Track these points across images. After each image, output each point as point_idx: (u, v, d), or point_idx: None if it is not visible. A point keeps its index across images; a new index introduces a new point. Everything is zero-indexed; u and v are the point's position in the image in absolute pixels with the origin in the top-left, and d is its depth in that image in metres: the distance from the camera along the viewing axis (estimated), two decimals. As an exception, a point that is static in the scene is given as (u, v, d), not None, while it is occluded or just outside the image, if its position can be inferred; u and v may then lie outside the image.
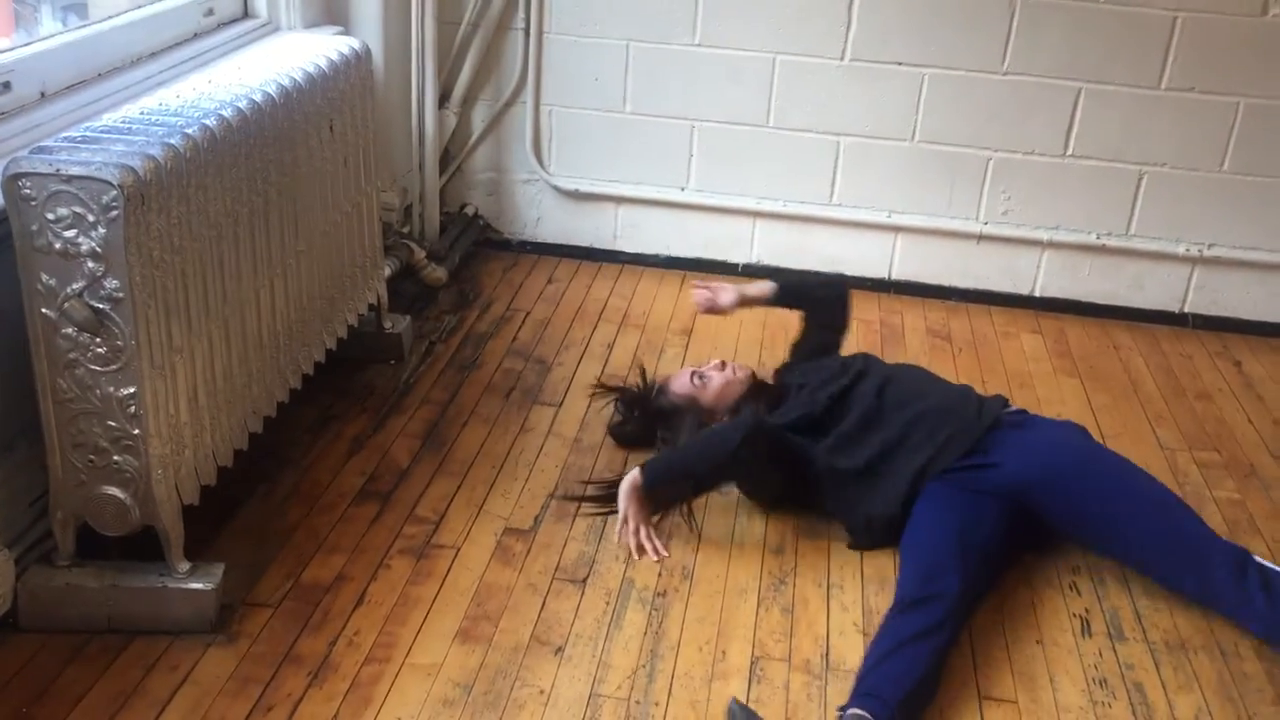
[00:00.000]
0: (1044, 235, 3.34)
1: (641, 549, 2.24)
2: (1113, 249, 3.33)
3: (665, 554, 2.24)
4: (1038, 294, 3.40)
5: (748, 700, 1.89)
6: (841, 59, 3.25)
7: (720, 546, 2.27)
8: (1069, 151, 3.25)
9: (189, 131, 1.86)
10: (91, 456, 1.81)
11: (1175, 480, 2.59)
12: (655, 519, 2.29)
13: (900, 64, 3.23)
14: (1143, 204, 3.28)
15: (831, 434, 2.33)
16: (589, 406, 2.74)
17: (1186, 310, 3.37)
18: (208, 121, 1.92)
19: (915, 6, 3.16)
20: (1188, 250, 3.30)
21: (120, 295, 1.71)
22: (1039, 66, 3.18)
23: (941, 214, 3.37)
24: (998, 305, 3.40)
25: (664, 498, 2.31)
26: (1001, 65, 3.19)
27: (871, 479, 2.28)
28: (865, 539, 2.29)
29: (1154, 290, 3.36)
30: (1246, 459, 2.70)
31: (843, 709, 1.84)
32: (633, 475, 2.27)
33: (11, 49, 2.08)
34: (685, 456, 2.33)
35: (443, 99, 3.38)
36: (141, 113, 1.94)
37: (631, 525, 2.26)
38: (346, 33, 2.85)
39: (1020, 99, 3.21)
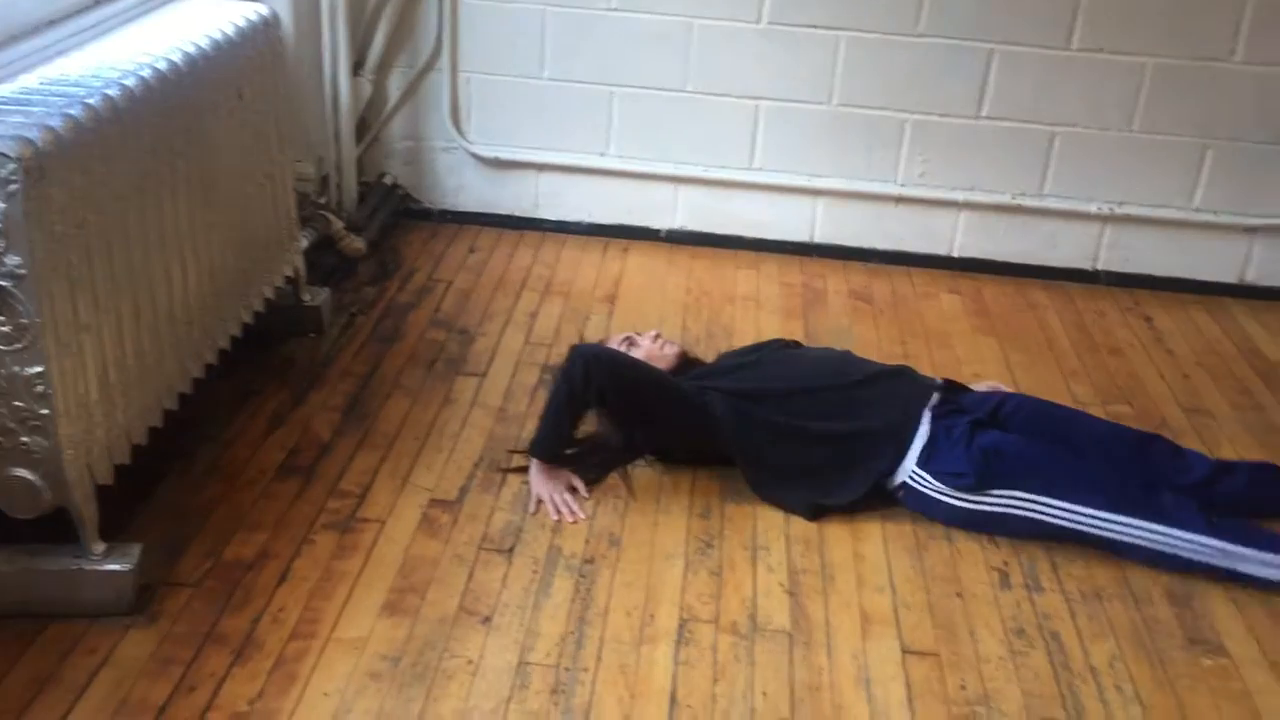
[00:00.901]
0: (960, 196, 3.38)
1: (560, 517, 2.25)
2: (1027, 209, 3.38)
3: (581, 515, 2.25)
4: (955, 254, 3.45)
5: (675, 662, 1.91)
6: (758, 22, 3.25)
7: (647, 513, 2.28)
8: (983, 113, 3.29)
9: (90, 102, 1.81)
10: (-1, 438, 1.77)
11: (1089, 434, 2.66)
12: (587, 480, 2.33)
13: (816, 27, 3.24)
14: (1055, 164, 3.33)
15: (739, 386, 2.39)
16: (514, 376, 2.72)
17: (1099, 268, 3.44)
18: (110, 91, 1.87)
19: (831, -31, 3.17)
20: (1099, 209, 3.37)
21: (22, 272, 1.66)
22: (952, 28, 3.21)
23: (861, 176, 3.40)
24: (917, 266, 3.44)
25: (572, 460, 2.35)
26: (915, 27, 3.21)
27: (806, 456, 2.33)
28: (789, 502, 2.32)
29: (1067, 248, 3.42)
30: (1158, 411, 2.78)
31: None
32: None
33: (-100, 18, 2.00)
34: (550, 411, 2.34)
35: (357, 66, 3.32)
36: (40, 83, 1.88)
37: (545, 499, 2.28)
38: (255, -1, 2.78)
39: (934, 61, 3.24)
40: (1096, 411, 2.74)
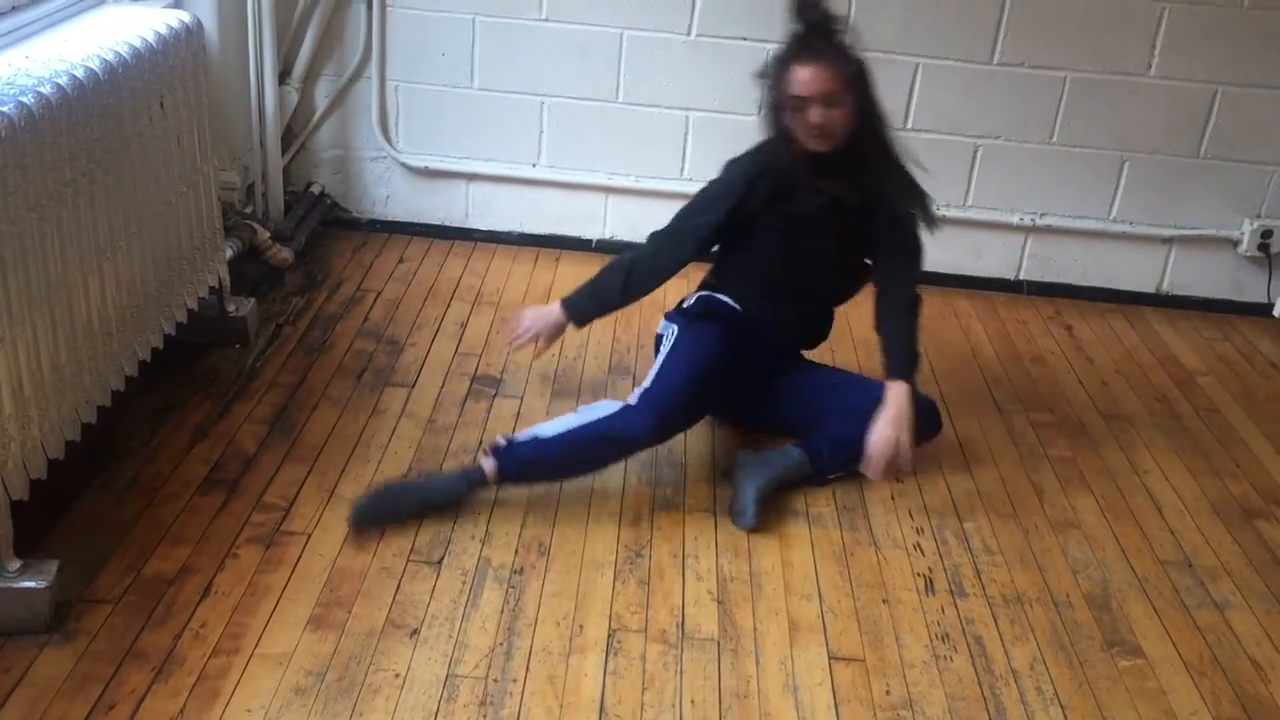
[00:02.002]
0: (887, 207, 3.42)
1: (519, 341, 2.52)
2: (952, 219, 3.43)
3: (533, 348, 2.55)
4: (883, 264, 3.49)
5: (604, 672, 1.91)
6: (688, 34, 3.27)
7: (577, 522, 2.28)
8: (909, 125, 3.33)
9: (4, 110, 1.77)
10: (-93, 453, 1.72)
11: (1012, 440, 2.71)
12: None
13: (745, 39, 3.27)
14: (979, 176, 3.39)
15: None
16: (443, 387, 2.71)
17: (1021, 277, 3.51)
18: (24, 99, 1.83)
19: (758, -18, 3.20)
20: (1021, 220, 3.44)
21: (-68, 283, 1.63)
22: (879, 41, 3.22)
23: (789, 187, 3.42)
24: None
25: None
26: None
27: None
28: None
29: (991, 259, 3.49)
30: (1078, 418, 2.84)
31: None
32: (555, 312, 2.50)
33: None
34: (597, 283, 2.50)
35: (283, 75, 3.29)
36: (-49, 90, 1.83)
37: (535, 338, 2.51)
38: (178, 6, 2.74)
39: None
40: (1019, 421, 2.80)
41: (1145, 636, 2.11)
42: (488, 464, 2.26)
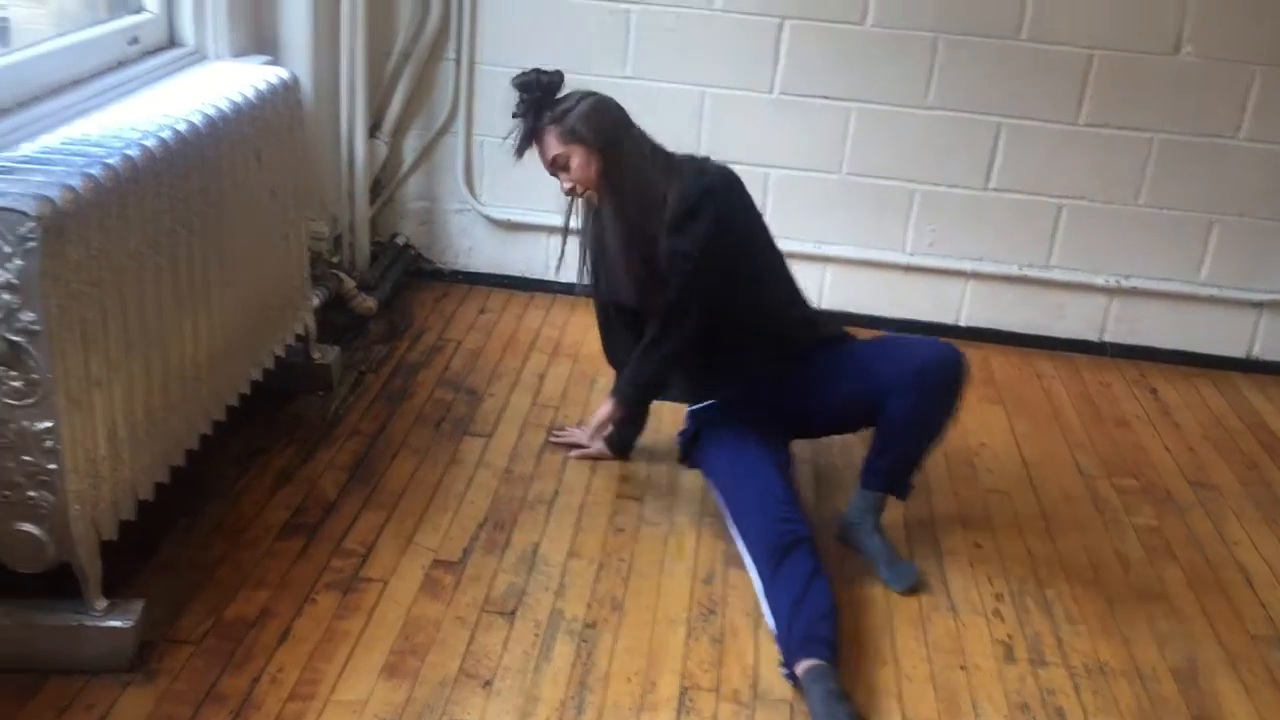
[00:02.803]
0: (968, 266, 3.41)
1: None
2: (1034, 279, 3.41)
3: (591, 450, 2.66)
4: (963, 323, 3.47)
5: (676, 731, 1.90)
6: (770, 92, 3.30)
7: (650, 577, 2.28)
8: (990, 185, 3.32)
9: (110, 161, 1.84)
10: (6, 492, 1.77)
11: (1095, 507, 2.65)
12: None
13: (828, 98, 3.29)
14: (1062, 236, 3.36)
15: None
16: (520, 437, 2.73)
17: (1105, 339, 3.45)
18: (130, 151, 1.90)
19: (841, 42, 3.22)
20: (1106, 281, 3.39)
21: (36, 328, 1.68)
22: (961, 102, 3.25)
23: (869, 245, 3.42)
24: (925, 334, 3.45)
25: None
26: (925, 99, 3.26)
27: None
28: None
29: (1074, 320, 3.44)
30: (1163, 485, 2.77)
31: (787, 671, 1.99)
32: (610, 409, 2.49)
33: (-74, 77, 2.04)
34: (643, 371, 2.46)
35: (374, 128, 3.38)
36: (62, 142, 1.91)
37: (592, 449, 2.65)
38: (275, 62, 2.84)
39: (944, 133, 3.28)
40: (1103, 486, 2.74)
41: (1235, 715, 2.04)
42: (804, 667, 1.98)
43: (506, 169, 3.44)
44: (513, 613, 2.14)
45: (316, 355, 2.83)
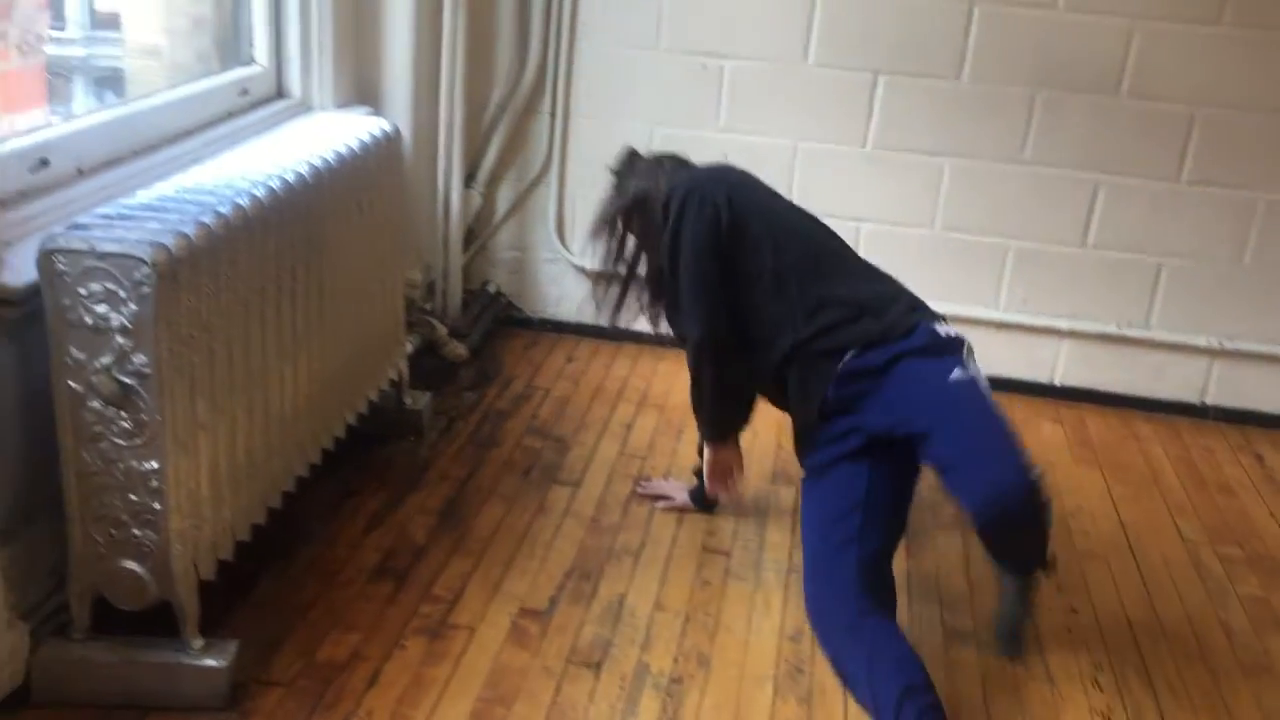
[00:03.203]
0: (1063, 324, 3.35)
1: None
2: (1133, 339, 3.33)
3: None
4: (1058, 383, 3.40)
5: (763, 793, 1.86)
6: (863, 146, 3.29)
7: (737, 632, 2.25)
8: (1088, 242, 3.27)
9: (221, 210, 1.90)
10: (111, 530, 1.82)
11: (1198, 574, 2.57)
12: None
13: (921, 153, 3.27)
14: (1163, 296, 3.29)
15: None
16: (607, 487, 2.73)
17: (1207, 402, 3.36)
18: (240, 200, 1.96)
19: (936, 97, 3.21)
20: (1208, 342, 3.30)
21: (147, 371, 1.73)
22: (1059, 158, 3.21)
23: (962, 300, 3.38)
24: (1018, 393, 3.40)
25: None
26: (1022, 155, 3.22)
27: None
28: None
29: (1174, 381, 3.35)
30: (1270, 555, 2.68)
31: None
32: (710, 457, 2.45)
33: (50, 126, 2.12)
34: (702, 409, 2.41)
35: (468, 178, 3.44)
36: (176, 190, 1.97)
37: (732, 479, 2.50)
38: (377, 113, 2.91)
39: (1040, 189, 3.24)
40: (1205, 553, 2.66)
41: (1350, 800, 1.95)
42: None
43: (598, 220, 3.50)
44: (598, 665, 2.13)
45: (408, 401, 2.86)
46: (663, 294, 2.38)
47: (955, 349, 2.18)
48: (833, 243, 2.37)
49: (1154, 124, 3.14)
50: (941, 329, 2.23)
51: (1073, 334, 3.36)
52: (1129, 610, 2.43)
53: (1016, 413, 3.30)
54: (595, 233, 2.49)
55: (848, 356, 2.18)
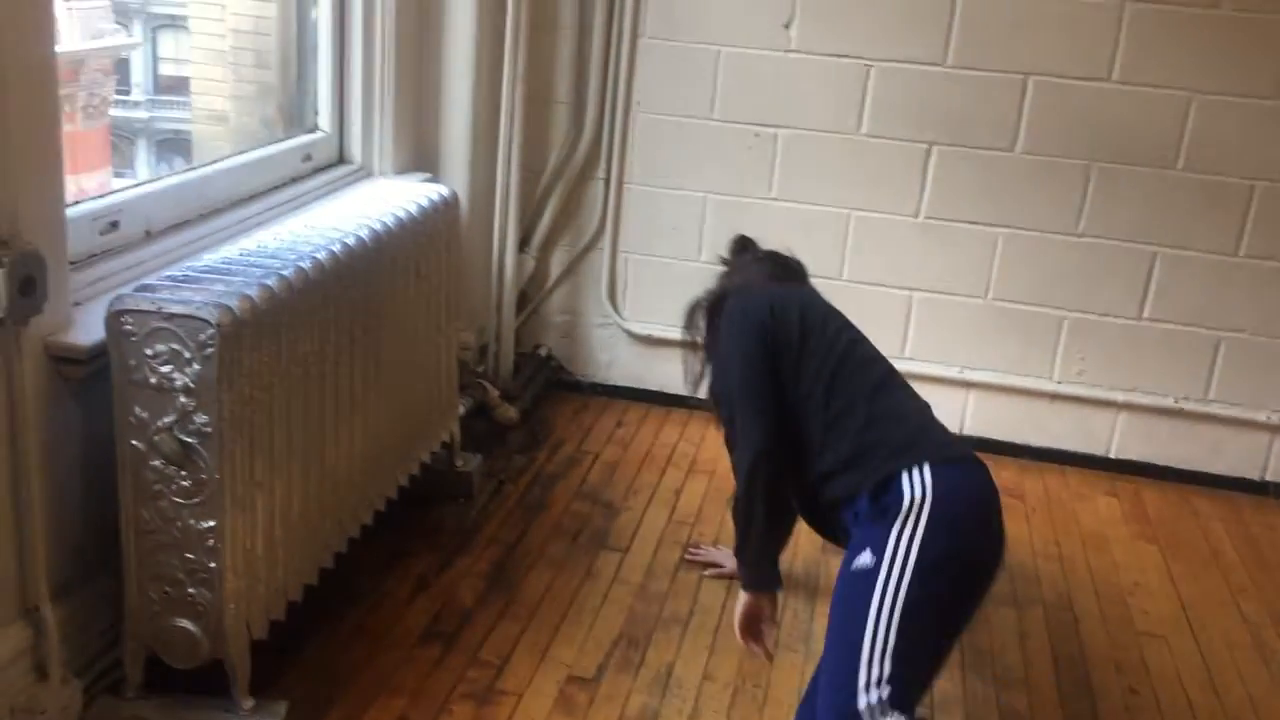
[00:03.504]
0: (1120, 396, 3.31)
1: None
2: (1190, 413, 3.28)
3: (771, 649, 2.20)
4: (1113, 455, 3.35)
5: None
6: (916, 216, 3.29)
7: (787, 705, 2.22)
8: (1145, 315, 3.23)
9: (284, 273, 1.93)
10: (167, 588, 1.83)
11: (1260, 656, 2.50)
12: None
13: (975, 223, 3.26)
14: (1221, 369, 3.24)
15: None
16: (656, 554, 2.72)
17: (1268, 479, 3.29)
18: (302, 264, 1.99)
19: (990, 168, 3.21)
20: (1269, 418, 3.24)
21: (209, 430, 1.75)
22: (1115, 230, 3.20)
23: (1015, 371, 3.35)
24: (1072, 465, 3.35)
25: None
26: (1077, 227, 3.21)
27: None
28: None
29: (1234, 457, 3.29)
30: (1336, 638, 2.60)
31: None
32: (746, 603, 2.12)
33: (121, 190, 2.18)
34: (748, 536, 2.13)
35: (523, 243, 3.47)
36: (240, 253, 2.01)
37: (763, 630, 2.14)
38: (434, 179, 2.96)
39: (1095, 261, 3.22)
40: (1269, 635, 2.59)
41: None
42: None
43: (649, 285, 3.52)
44: (646, 736, 2.11)
45: (459, 463, 2.87)
46: (721, 404, 2.29)
47: (892, 516, 1.90)
48: (872, 374, 2.17)
49: (1212, 197, 3.12)
50: (910, 485, 1.93)
51: (1129, 406, 3.31)
52: (1190, 692, 2.37)
53: (1071, 485, 3.25)
54: (686, 316, 2.50)
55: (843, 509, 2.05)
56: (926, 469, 1.92)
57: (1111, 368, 3.29)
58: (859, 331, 2.25)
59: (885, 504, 1.92)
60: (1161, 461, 3.33)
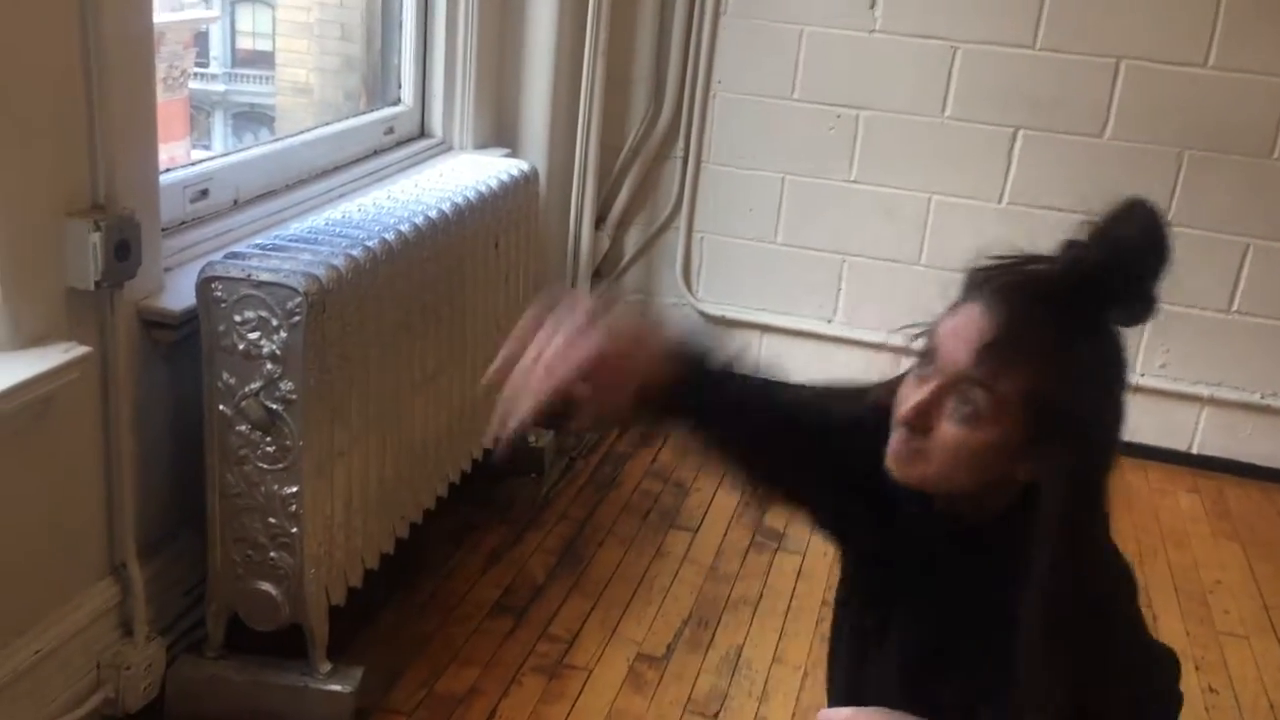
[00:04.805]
0: (1204, 391, 3.23)
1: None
2: (1277, 410, 3.19)
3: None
4: (1195, 451, 3.27)
5: None
6: (999, 202, 3.24)
7: (857, 692, 2.20)
8: (1234, 308, 3.15)
9: (369, 244, 1.95)
10: (250, 551, 1.86)
11: (1348, 662, 2.44)
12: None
13: (1060, 209, 3.20)
14: (1312, 365, 3.15)
15: None
16: (726, 535, 2.71)
17: (1358, 479, 3.20)
18: (386, 235, 2.01)
19: (1078, 154, 3.14)
20: (1360, 416, 3.15)
21: (294, 397, 1.78)
22: (1206, 219, 3.11)
23: (1095, 362, 3.29)
24: (1153, 460, 3.28)
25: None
26: (1167, 216, 3.12)
27: None
28: None
29: (1321, 455, 3.21)
30: None
31: None
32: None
33: (210, 159, 2.21)
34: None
35: (598, 221, 3.47)
36: (326, 223, 2.03)
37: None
38: (513, 154, 2.96)
39: (1185, 251, 3.07)
40: (1357, 638, 2.52)
41: None
42: None
43: (724, 266, 3.50)
44: (715, 716, 2.10)
45: (531, 438, 2.88)
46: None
47: None
48: None
49: (1308, 185, 3.03)
50: None
51: (1213, 401, 3.23)
52: (1271, 694, 2.31)
53: (1152, 481, 3.18)
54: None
55: None
56: None
57: (1197, 361, 3.21)
58: None
59: None
60: (1245, 458, 3.25)
